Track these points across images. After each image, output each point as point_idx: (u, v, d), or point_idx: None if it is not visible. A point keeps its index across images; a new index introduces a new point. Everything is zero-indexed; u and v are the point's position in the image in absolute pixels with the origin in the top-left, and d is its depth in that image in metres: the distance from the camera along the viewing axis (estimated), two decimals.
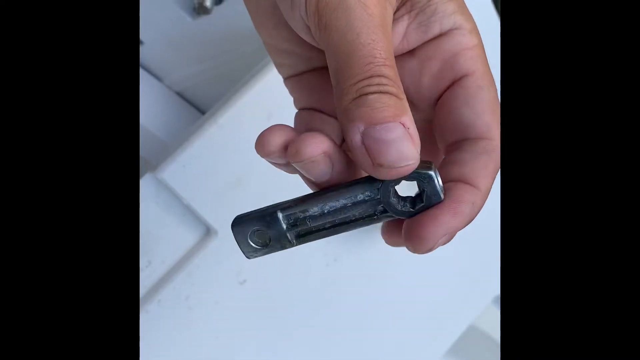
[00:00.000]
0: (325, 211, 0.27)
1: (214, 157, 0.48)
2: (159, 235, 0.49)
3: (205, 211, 0.49)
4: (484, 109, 0.28)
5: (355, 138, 0.25)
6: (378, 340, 0.58)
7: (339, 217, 0.27)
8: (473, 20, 0.29)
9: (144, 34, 0.56)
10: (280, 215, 0.28)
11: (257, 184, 0.50)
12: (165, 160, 0.47)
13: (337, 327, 0.55)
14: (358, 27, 0.25)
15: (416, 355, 0.60)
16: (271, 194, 0.51)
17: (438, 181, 0.26)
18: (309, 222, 0.28)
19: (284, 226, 0.28)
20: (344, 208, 0.27)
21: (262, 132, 0.27)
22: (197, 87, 0.59)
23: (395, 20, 0.29)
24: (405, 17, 0.29)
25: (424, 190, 0.26)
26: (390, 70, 0.25)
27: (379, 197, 0.27)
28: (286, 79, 0.33)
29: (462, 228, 0.27)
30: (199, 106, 0.61)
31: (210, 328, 0.51)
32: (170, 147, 0.49)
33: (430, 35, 0.29)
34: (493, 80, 0.29)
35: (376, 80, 0.25)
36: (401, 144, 0.24)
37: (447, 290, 0.60)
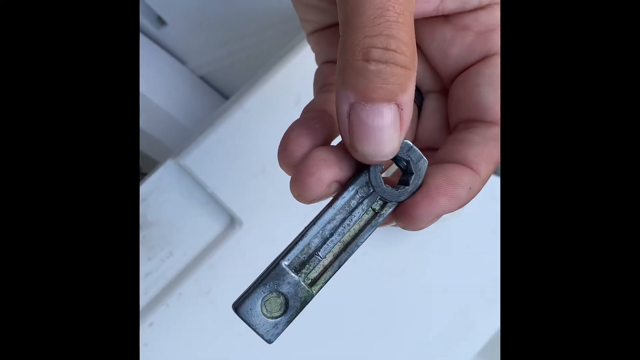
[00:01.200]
0: (327, 235, 0.25)
1: (239, 143, 0.46)
2: (181, 225, 0.47)
3: (230, 200, 0.47)
4: None
5: (343, 107, 0.23)
6: (405, 341, 0.55)
7: (344, 236, 0.25)
8: None
9: (166, 13, 0.53)
10: (284, 264, 0.24)
11: (283, 172, 0.48)
12: (188, 146, 0.45)
13: (361, 324, 0.53)
14: None
15: (445, 357, 0.57)
16: None
17: (416, 148, 0.25)
18: (318, 255, 0.25)
19: (295, 275, 0.24)
20: (343, 222, 0.25)
21: (283, 140, 0.25)
22: (220, 71, 0.57)
23: None
24: None
25: (408, 162, 0.25)
26: (403, 29, 0.22)
27: (371, 190, 0.25)
28: (309, 35, 0.31)
29: (455, 210, 0.26)
30: (222, 91, 0.58)
31: (232, 324, 0.49)
32: (194, 132, 0.46)
33: (469, 6, 0.27)
34: None
35: (384, 41, 0.22)
36: (385, 133, 0.23)
37: (478, 290, 0.57)
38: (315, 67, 0.32)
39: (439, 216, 0.25)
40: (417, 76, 0.24)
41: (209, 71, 0.57)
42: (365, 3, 0.22)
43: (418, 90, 0.30)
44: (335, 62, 0.28)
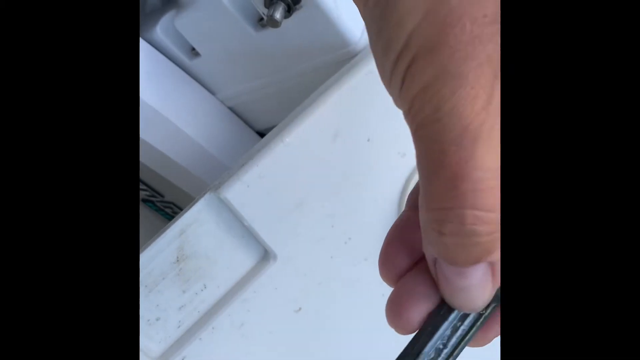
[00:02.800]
0: (440, 347, 0.24)
1: (277, 178, 0.46)
2: (216, 258, 0.47)
3: (265, 233, 0.46)
4: None
5: (428, 257, 0.23)
6: None
7: (453, 341, 0.24)
8: None
9: (200, 45, 0.53)
10: None
11: (319, 207, 0.48)
12: (228, 180, 0.45)
13: None
14: (445, 144, 0.20)
15: None
16: (333, 218, 0.48)
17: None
18: None
19: None
20: (452, 329, 0.24)
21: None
22: (250, 103, 0.57)
23: None
24: None
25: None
26: (484, 193, 0.20)
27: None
28: None
29: None
30: (251, 123, 0.58)
31: (264, 356, 0.48)
32: (233, 166, 0.46)
33: None
34: None
35: (457, 215, 0.20)
36: (472, 291, 0.22)
37: None
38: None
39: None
40: None
41: (238, 102, 0.57)
42: (436, 172, 0.20)
43: None
44: None
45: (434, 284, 0.24)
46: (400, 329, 0.24)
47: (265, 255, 0.48)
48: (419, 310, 0.24)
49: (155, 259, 0.44)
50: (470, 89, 0.20)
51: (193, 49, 0.54)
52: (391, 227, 0.26)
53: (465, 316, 0.24)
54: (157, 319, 0.46)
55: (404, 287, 0.24)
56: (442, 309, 0.24)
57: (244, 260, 0.48)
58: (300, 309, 0.49)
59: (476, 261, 0.21)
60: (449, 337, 0.24)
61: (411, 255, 0.25)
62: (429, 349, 0.24)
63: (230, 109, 0.58)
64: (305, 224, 0.48)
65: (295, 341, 0.50)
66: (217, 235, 0.46)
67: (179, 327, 0.46)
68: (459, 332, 0.24)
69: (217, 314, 0.46)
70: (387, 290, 0.54)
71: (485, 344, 0.25)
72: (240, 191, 0.45)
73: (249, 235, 0.47)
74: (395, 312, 0.24)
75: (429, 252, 0.23)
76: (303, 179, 0.47)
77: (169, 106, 0.53)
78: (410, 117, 0.21)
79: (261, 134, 0.61)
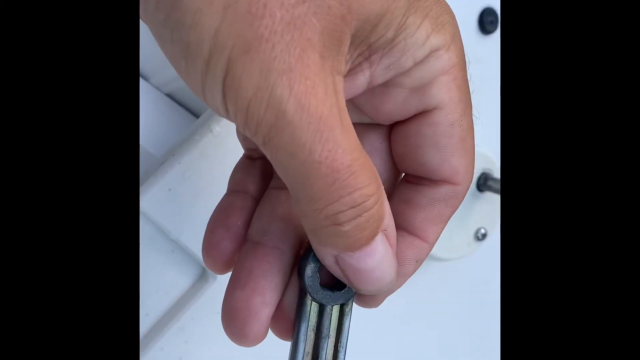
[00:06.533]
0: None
1: (206, 177, 0.37)
2: (142, 280, 0.38)
3: (198, 247, 0.38)
4: (453, 151, 0.25)
5: (328, 260, 0.23)
6: None
7: (323, 356, 0.25)
8: (452, 25, 0.24)
9: None
10: None
11: None
12: (144, 183, 0.36)
13: None
14: (307, 143, 0.20)
15: None
16: None
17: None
18: None
19: None
20: (317, 345, 0.25)
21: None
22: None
23: (352, 74, 0.23)
24: (366, 66, 0.23)
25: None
26: (360, 175, 0.21)
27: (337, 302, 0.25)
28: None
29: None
30: (195, 111, 0.50)
31: None
32: (150, 166, 0.37)
33: (401, 70, 0.24)
34: (469, 106, 0.25)
35: (348, 201, 0.21)
36: (383, 265, 0.23)
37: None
38: None
39: (391, 294, 0.25)
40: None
41: (177, 87, 0.48)
42: (311, 176, 0.20)
43: None
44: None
45: (265, 273, 0.24)
46: (250, 344, 0.25)
47: (203, 274, 0.39)
48: (259, 321, 0.24)
49: None
50: (305, 80, 0.19)
51: None
52: (212, 215, 0.27)
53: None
54: None
55: (235, 303, 0.25)
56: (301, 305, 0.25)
57: (177, 281, 0.39)
58: None
59: (374, 234, 0.22)
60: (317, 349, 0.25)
61: (235, 240, 0.26)
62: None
63: (169, 95, 0.49)
64: None
65: None
66: (140, 253, 0.37)
67: None
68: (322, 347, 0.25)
69: (147, 348, 0.38)
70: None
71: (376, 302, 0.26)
72: (160, 197, 0.36)
73: (179, 250, 0.38)
74: (233, 332, 0.25)
75: (328, 253, 0.23)
76: None
77: None
78: (252, 129, 0.20)
79: None
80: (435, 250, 0.43)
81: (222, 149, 0.37)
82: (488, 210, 0.44)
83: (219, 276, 0.38)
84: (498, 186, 0.43)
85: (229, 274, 0.38)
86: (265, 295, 0.24)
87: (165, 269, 0.38)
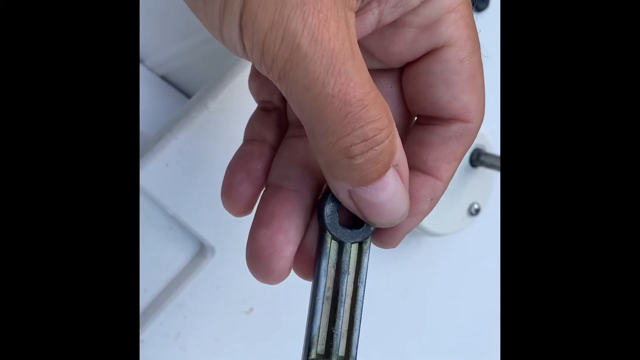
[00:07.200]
0: (330, 311, 0.26)
1: (203, 153, 0.37)
2: (140, 256, 0.38)
3: (197, 223, 0.38)
4: (463, 88, 0.25)
5: (342, 194, 0.24)
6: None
7: (345, 302, 0.26)
8: None
9: None
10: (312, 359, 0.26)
11: None
12: (141, 159, 0.36)
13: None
14: (321, 76, 0.21)
15: None
16: None
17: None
18: (334, 332, 0.26)
19: None
20: (337, 288, 0.26)
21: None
22: (183, 68, 0.48)
23: (362, 13, 0.24)
24: (374, 4, 0.24)
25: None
26: (372, 108, 0.22)
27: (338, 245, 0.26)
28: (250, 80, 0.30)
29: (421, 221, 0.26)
30: (188, 92, 0.50)
31: None
32: (148, 142, 0.38)
33: (409, 8, 0.24)
34: (477, 44, 0.25)
35: (360, 134, 0.22)
36: (396, 199, 0.23)
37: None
38: None
39: (408, 232, 0.26)
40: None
41: (171, 69, 0.49)
42: (324, 109, 0.21)
43: None
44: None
45: (289, 211, 0.25)
46: (274, 281, 0.26)
47: (201, 250, 0.40)
48: (283, 259, 0.25)
49: None
50: (318, 14, 0.20)
51: None
52: (231, 160, 0.27)
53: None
54: None
55: (260, 241, 0.25)
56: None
57: (175, 257, 0.39)
58: (251, 309, 0.41)
59: (386, 168, 0.23)
60: (334, 296, 0.26)
61: (255, 183, 0.27)
62: (318, 319, 0.25)
63: (163, 77, 0.49)
64: None
65: (249, 348, 0.42)
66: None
67: None
68: (342, 285, 0.25)
69: (147, 324, 0.38)
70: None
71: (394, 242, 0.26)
72: (158, 173, 0.36)
73: (178, 226, 0.39)
74: (258, 270, 0.26)
75: (342, 187, 0.23)
76: (234, 152, 0.38)
77: None
78: (268, 64, 0.21)
79: None
80: (429, 226, 0.43)
81: (218, 125, 0.37)
82: (481, 186, 0.45)
83: (218, 252, 0.39)
84: (491, 161, 0.43)
85: (230, 248, 0.39)
86: (289, 233, 0.25)
87: (164, 245, 0.39)
